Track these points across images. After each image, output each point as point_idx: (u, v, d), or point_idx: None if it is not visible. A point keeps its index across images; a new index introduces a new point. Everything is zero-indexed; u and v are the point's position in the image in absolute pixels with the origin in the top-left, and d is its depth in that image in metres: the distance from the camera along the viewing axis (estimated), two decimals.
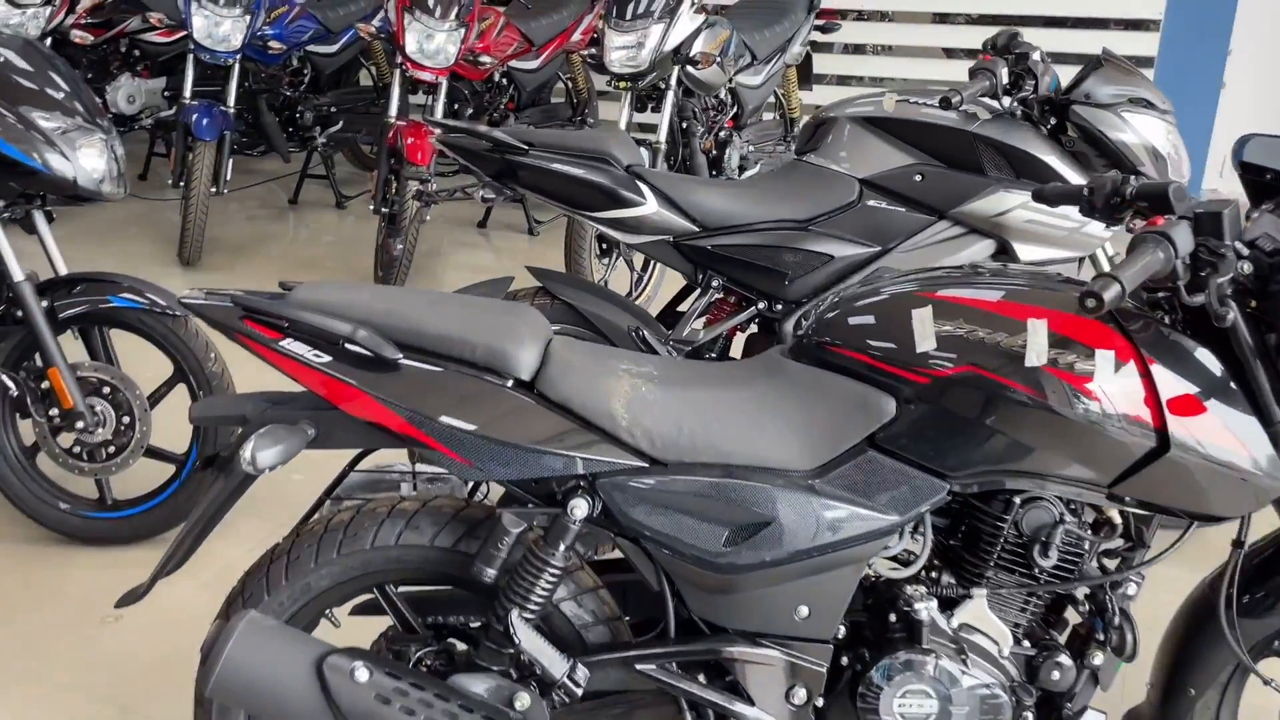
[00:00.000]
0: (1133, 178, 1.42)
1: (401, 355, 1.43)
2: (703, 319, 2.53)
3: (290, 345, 1.44)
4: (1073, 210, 2.25)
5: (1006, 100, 2.40)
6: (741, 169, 4.64)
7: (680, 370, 1.54)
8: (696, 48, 3.94)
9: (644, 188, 2.41)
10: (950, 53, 6.39)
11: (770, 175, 2.57)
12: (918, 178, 2.42)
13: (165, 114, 5.26)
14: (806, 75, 5.45)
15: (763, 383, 1.50)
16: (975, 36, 5.65)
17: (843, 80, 6.32)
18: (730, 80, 4.40)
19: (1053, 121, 2.44)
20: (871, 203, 2.44)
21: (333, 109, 5.38)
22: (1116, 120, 2.38)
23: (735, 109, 4.62)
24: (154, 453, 2.65)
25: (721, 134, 4.51)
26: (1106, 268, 2.55)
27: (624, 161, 2.44)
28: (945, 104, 2.26)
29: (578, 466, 1.41)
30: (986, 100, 2.40)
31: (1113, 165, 2.41)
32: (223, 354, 2.67)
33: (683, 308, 2.73)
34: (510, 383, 1.44)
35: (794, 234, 2.43)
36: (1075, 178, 2.38)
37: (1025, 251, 2.45)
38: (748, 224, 2.44)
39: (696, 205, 2.43)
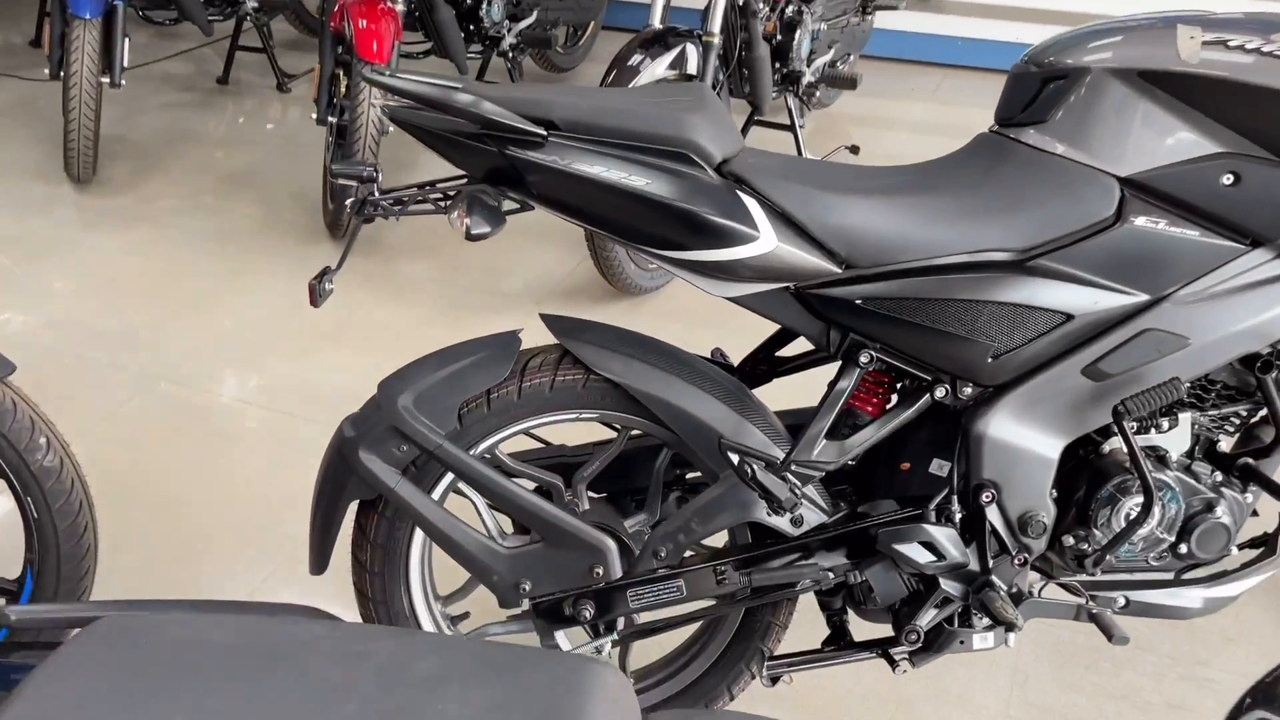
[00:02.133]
0: None
1: None
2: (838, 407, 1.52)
3: None
4: None
5: None
6: (812, 55, 3.48)
7: None
8: None
9: (753, 207, 1.36)
10: None
11: (958, 167, 1.50)
12: (1228, 179, 1.37)
13: None
14: None
15: None
16: None
17: None
18: None
19: None
20: (1140, 220, 1.39)
21: None
22: None
23: None
24: None
25: (789, 10, 3.33)
26: None
27: (716, 156, 1.38)
28: None
29: None
30: None
31: None
32: (62, 427, 1.70)
33: (788, 353, 1.72)
34: None
35: (1003, 277, 1.41)
36: None
37: None
38: (925, 260, 1.41)
39: (839, 231, 1.39)
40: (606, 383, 1.51)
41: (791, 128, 3.72)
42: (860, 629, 1.65)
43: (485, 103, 1.31)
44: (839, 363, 1.51)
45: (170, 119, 4.35)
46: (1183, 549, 1.54)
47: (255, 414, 2.64)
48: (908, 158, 1.56)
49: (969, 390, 1.49)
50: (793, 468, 1.46)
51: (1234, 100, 1.35)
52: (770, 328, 1.67)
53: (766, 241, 1.36)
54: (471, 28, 3.80)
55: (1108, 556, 1.51)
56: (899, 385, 1.56)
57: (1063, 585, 1.61)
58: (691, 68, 2.80)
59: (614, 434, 1.63)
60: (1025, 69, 1.48)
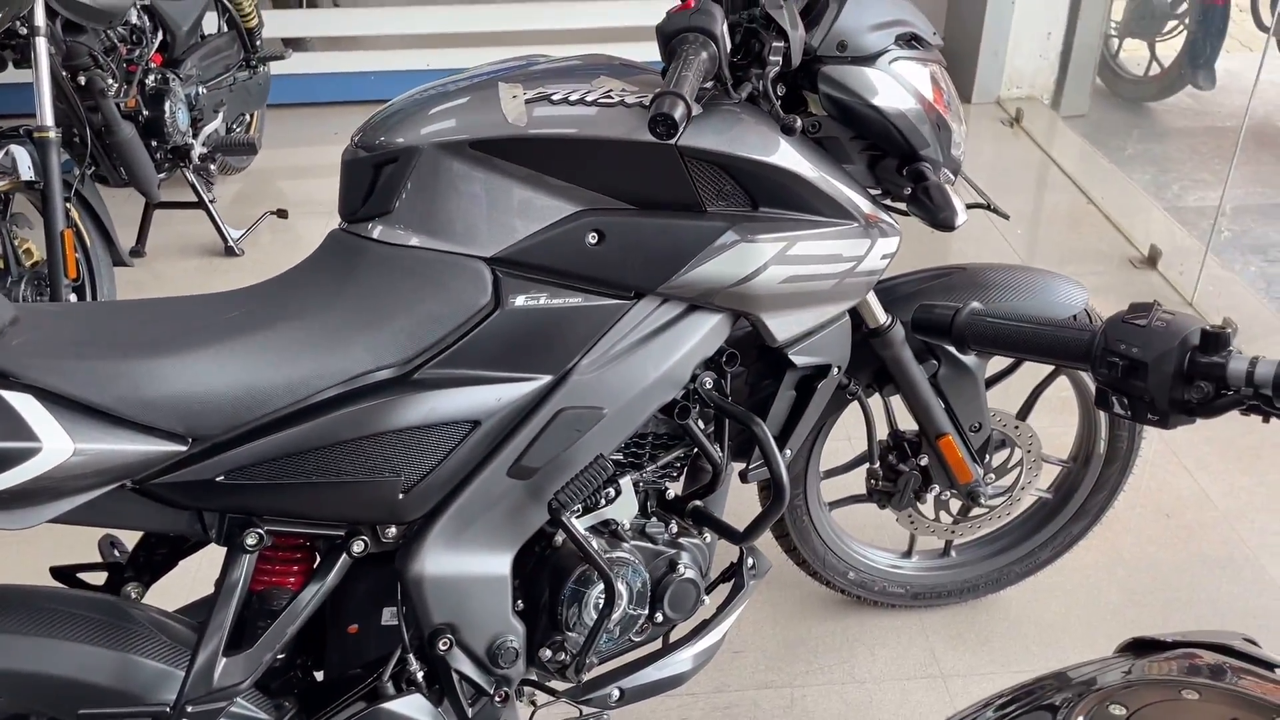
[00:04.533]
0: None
1: None
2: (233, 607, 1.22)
3: None
4: (847, 243, 1.37)
5: (730, 82, 1.29)
6: (195, 125, 3.06)
7: None
8: None
9: (29, 410, 1.01)
10: None
11: (306, 282, 1.25)
12: (593, 238, 1.27)
13: None
14: None
15: None
16: None
17: None
18: None
19: (780, 93, 1.39)
20: (519, 300, 1.25)
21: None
22: (886, 80, 1.39)
23: (160, 35, 2.99)
24: None
25: (150, 80, 2.89)
26: (880, 314, 1.62)
27: None
28: (665, 128, 1.10)
29: None
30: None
31: (877, 148, 1.44)
32: None
33: (184, 543, 1.39)
34: None
35: (391, 400, 1.19)
36: (838, 189, 1.37)
37: (781, 326, 1.42)
38: (290, 406, 1.15)
39: (164, 403, 1.08)
40: None
41: (202, 205, 3.30)
42: None
43: None
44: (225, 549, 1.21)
45: None
46: (659, 617, 1.45)
47: None
48: None
49: (392, 532, 1.27)
50: (189, 711, 1.14)
51: (573, 157, 1.24)
52: None
53: (59, 448, 1.02)
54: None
55: (588, 657, 1.38)
56: (312, 546, 1.30)
57: (559, 698, 1.46)
58: (27, 173, 2.30)
59: None
60: (356, 154, 1.27)
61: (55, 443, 1.01)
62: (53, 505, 1.06)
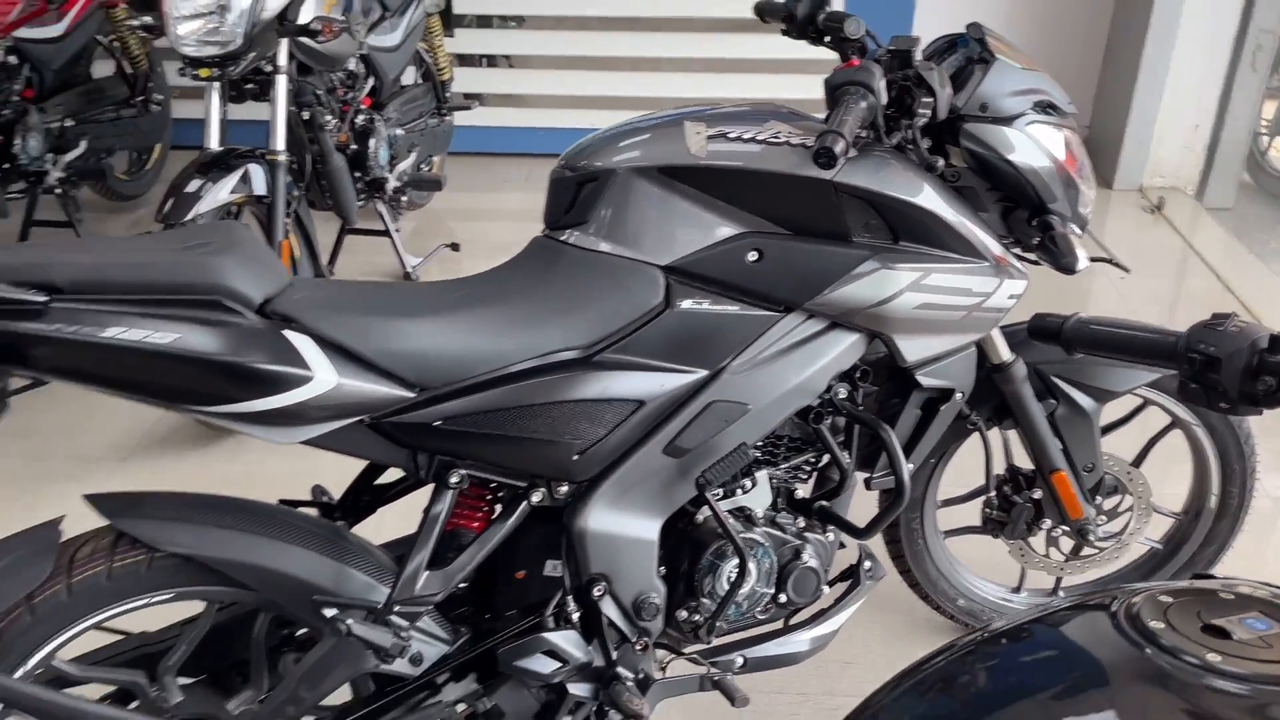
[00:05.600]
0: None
1: None
2: (435, 534, 1.46)
3: None
4: (977, 280, 1.54)
5: (883, 130, 1.51)
6: (393, 161, 3.45)
7: None
8: (309, 10, 2.69)
9: (303, 345, 1.28)
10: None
11: (515, 275, 1.52)
12: (753, 256, 1.49)
13: None
14: (447, 19, 4.29)
15: None
16: None
17: (483, 21, 5.19)
18: (361, 45, 3.19)
19: (926, 145, 1.60)
20: (686, 304, 1.48)
21: (66, 124, 3.56)
22: (1023, 139, 1.58)
23: (371, 81, 3.40)
24: None
25: (359, 119, 3.29)
26: (1004, 351, 1.79)
27: (255, 297, 1.29)
28: (826, 159, 1.32)
29: None
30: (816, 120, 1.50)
31: (1010, 199, 1.63)
32: None
33: (389, 479, 1.65)
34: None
35: (573, 376, 1.44)
36: (973, 231, 1.56)
37: (911, 348, 1.61)
38: (495, 371, 1.41)
39: (402, 355, 1.35)
40: (175, 558, 1.35)
41: (387, 233, 3.68)
42: None
43: None
44: (432, 486, 1.46)
45: None
46: (782, 598, 1.63)
47: None
48: (511, 245, 1.56)
49: (564, 489, 1.50)
50: (396, 609, 1.38)
51: (743, 185, 1.48)
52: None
53: (325, 380, 1.29)
54: (6, 165, 3.40)
55: (719, 621, 1.57)
56: (499, 496, 1.54)
57: (688, 658, 1.65)
58: (260, 188, 2.67)
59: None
60: (561, 174, 1.53)
61: (323, 375, 1.29)
62: (308, 428, 1.33)
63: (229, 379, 1.24)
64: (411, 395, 1.36)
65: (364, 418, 1.36)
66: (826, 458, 1.69)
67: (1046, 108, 1.61)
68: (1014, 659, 0.76)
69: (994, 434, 1.91)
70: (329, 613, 1.36)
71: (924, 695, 0.75)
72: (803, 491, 1.72)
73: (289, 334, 1.28)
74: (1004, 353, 1.78)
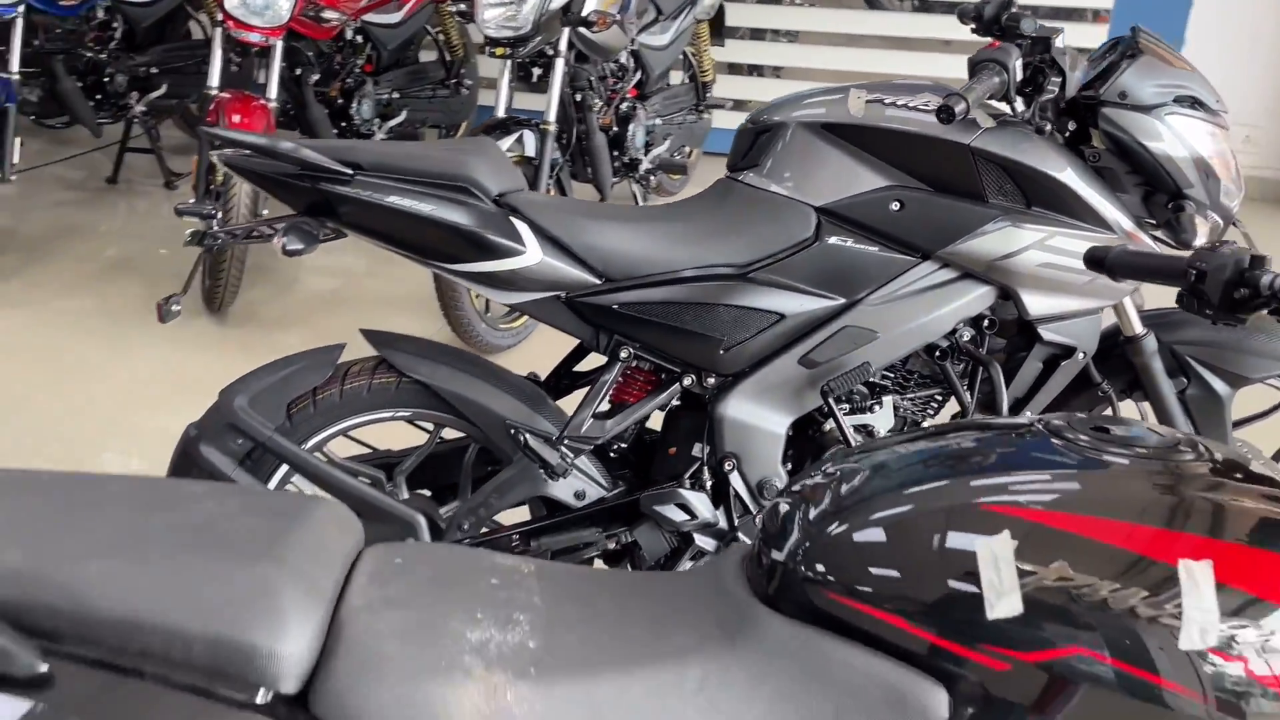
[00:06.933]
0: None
1: None
2: (607, 399, 1.85)
3: None
4: None
5: (1019, 103, 1.75)
6: (648, 146, 3.92)
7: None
8: (590, 5, 3.20)
9: (522, 228, 1.71)
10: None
11: (695, 203, 1.88)
12: (895, 206, 1.77)
13: None
14: (718, 28, 4.74)
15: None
16: None
17: (756, 35, 5.61)
18: (632, 42, 3.68)
19: (1071, 127, 1.81)
20: (833, 240, 1.78)
21: (153, 70, 4.45)
22: (1160, 128, 1.76)
23: (639, 75, 3.89)
24: None
25: (623, 106, 3.78)
26: (1136, 324, 1.95)
27: (492, 189, 1.73)
28: (946, 115, 1.60)
29: None
30: (990, 101, 1.76)
31: (1149, 184, 1.81)
32: None
33: (581, 368, 2.06)
34: None
35: (729, 286, 1.77)
36: (1104, 205, 1.76)
37: (1035, 303, 1.83)
38: (667, 273, 1.77)
39: (595, 249, 1.75)
40: (417, 384, 1.81)
41: None
42: None
43: (303, 149, 1.64)
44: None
45: (59, 215, 4.59)
46: None
47: (137, 467, 2.85)
48: None
49: (712, 380, 1.84)
50: (566, 441, 1.77)
51: (893, 144, 1.76)
52: (568, 344, 2.01)
53: (533, 255, 1.70)
54: (343, 124, 4.17)
55: None
56: (661, 378, 1.91)
57: None
58: (530, 150, 3.20)
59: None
60: (745, 126, 1.88)
61: (533, 251, 1.70)
62: (519, 294, 1.75)
63: (465, 243, 1.68)
64: (598, 282, 1.75)
65: (560, 294, 1.77)
66: (951, 399, 1.93)
67: (1192, 103, 1.78)
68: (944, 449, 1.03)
69: (1129, 407, 2.05)
70: (518, 437, 1.78)
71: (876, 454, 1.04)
72: (928, 424, 1.97)
73: (513, 219, 1.71)
74: (1136, 325, 1.94)
